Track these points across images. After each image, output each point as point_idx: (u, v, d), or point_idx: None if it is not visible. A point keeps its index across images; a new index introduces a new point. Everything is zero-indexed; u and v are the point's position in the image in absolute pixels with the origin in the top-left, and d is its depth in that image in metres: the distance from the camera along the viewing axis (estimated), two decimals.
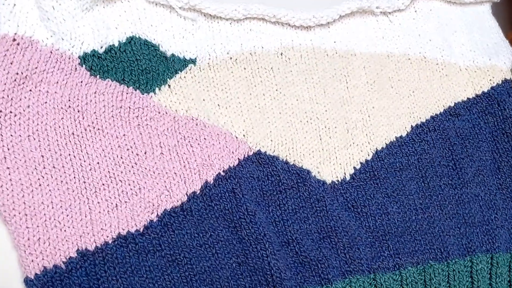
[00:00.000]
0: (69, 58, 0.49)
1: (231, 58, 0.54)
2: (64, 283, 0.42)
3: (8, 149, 0.45)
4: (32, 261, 0.42)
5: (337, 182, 0.53)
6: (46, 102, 0.47)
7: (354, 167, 0.54)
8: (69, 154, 0.46)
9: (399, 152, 0.56)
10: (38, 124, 0.46)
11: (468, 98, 0.61)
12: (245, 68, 0.54)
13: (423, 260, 0.52)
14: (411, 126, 0.58)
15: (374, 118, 0.57)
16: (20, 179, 0.44)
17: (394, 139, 0.57)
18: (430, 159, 0.56)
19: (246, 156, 0.51)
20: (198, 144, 0.50)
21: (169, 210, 0.47)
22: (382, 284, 0.49)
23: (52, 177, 0.45)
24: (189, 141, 0.49)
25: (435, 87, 0.60)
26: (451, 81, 0.61)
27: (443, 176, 0.56)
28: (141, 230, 0.46)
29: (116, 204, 0.46)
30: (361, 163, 0.54)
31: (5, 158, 0.45)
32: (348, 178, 0.53)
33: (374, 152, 0.55)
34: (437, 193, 0.55)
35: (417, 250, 0.52)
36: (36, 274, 0.42)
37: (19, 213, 0.43)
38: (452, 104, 0.60)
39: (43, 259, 0.42)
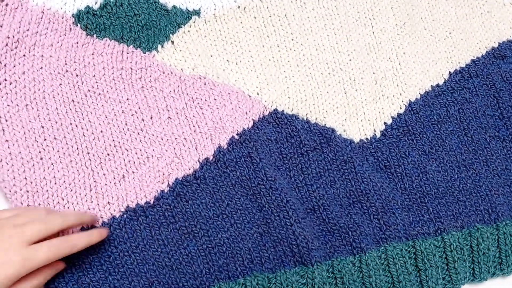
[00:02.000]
0: (62, 18, 0.44)
1: (239, 6, 0.48)
2: (71, 258, 0.39)
3: (6, 120, 0.41)
4: None
5: (366, 140, 0.47)
6: (41, 68, 0.43)
7: (385, 123, 0.48)
8: (71, 123, 0.42)
9: (436, 103, 0.49)
10: (35, 92, 0.42)
11: None
12: (255, 17, 0.48)
13: (469, 223, 0.46)
14: (449, 72, 0.50)
15: (406, 66, 0.49)
16: (20, 152, 0.41)
17: (430, 89, 0.49)
18: (473, 109, 0.49)
19: (261, 116, 0.45)
20: (208, 105, 0.44)
21: (180, 179, 0.42)
22: (422, 251, 0.43)
23: (53, 149, 0.41)
24: (198, 103, 0.44)
25: (475, 26, 0.52)
26: (494, 18, 0.53)
27: (489, 128, 0.49)
28: (152, 201, 0.42)
29: (123, 175, 0.42)
30: (392, 117, 0.48)
31: (3, 130, 0.41)
32: (378, 135, 0.47)
33: (407, 105, 0.48)
34: (482, 147, 0.48)
35: (461, 212, 0.46)
36: None
37: (21, 190, 0.40)
38: (496, 45, 0.52)
39: None
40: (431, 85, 0.49)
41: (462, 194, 0.46)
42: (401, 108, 0.48)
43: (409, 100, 0.48)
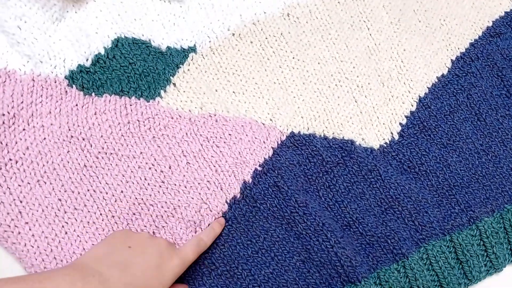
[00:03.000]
0: (55, 82, 0.42)
1: (233, 34, 0.46)
2: None
3: (21, 202, 0.39)
4: None
5: (385, 145, 0.46)
6: (45, 138, 0.41)
7: (400, 123, 0.47)
8: (88, 190, 0.40)
9: (445, 94, 0.49)
10: (44, 165, 0.40)
11: (506, 13, 0.52)
12: (252, 42, 0.47)
13: (498, 206, 0.46)
14: (451, 60, 0.50)
15: (409, 62, 0.49)
16: (43, 232, 0.39)
17: (436, 80, 0.49)
18: (480, 92, 0.49)
19: (279, 142, 0.44)
20: (225, 142, 0.43)
21: None
22: (461, 243, 0.44)
23: (76, 220, 0.40)
24: (213, 142, 0.43)
25: (467, 9, 0.52)
26: None
27: (499, 108, 0.49)
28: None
29: (153, 231, 0.40)
30: (406, 117, 0.48)
31: (20, 213, 0.39)
32: (396, 137, 0.47)
33: (418, 101, 0.48)
34: (496, 128, 0.48)
35: (489, 196, 0.46)
36: None
37: None
38: (490, 24, 0.52)
39: None
40: (437, 76, 0.49)
41: (487, 179, 0.47)
42: (412, 106, 0.48)
43: (419, 95, 0.48)
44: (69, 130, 0.41)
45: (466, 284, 0.44)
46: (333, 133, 0.45)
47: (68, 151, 0.41)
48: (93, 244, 0.39)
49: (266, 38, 0.47)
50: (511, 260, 0.45)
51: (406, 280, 0.42)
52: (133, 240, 0.35)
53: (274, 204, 0.42)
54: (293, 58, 0.47)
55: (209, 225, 0.40)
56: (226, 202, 0.42)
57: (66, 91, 0.42)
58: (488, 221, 0.45)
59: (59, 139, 0.41)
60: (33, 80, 0.41)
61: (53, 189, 0.40)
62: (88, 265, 0.31)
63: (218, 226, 0.40)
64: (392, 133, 0.47)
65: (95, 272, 0.31)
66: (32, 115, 0.41)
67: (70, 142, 0.41)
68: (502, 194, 0.46)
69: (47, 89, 0.41)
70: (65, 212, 0.39)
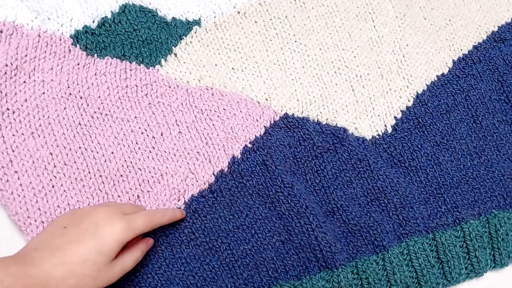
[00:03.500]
0: (60, 40, 0.43)
1: (239, 12, 0.47)
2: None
3: (13, 151, 0.40)
4: None
5: (378, 137, 0.46)
6: (44, 93, 0.41)
7: (395, 117, 0.47)
8: (79, 147, 0.41)
9: (443, 92, 0.49)
10: (40, 118, 0.41)
11: None
12: (256, 22, 0.47)
13: (485, 210, 0.46)
14: (453, 60, 0.50)
15: (410, 58, 0.49)
16: (30, 182, 0.40)
17: (436, 78, 0.49)
18: (479, 95, 0.49)
19: (272, 122, 0.45)
20: (218, 116, 0.43)
21: (196, 195, 0.41)
22: (443, 243, 0.43)
23: (65, 175, 0.40)
24: (207, 115, 0.43)
25: (473, 11, 0.52)
26: (491, 2, 0.52)
27: (496, 112, 0.49)
28: None
29: (137, 195, 0.41)
30: (402, 111, 0.48)
31: (11, 161, 0.40)
32: (390, 130, 0.47)
33: (415, 97, 0.48)
34: (491, 132, 0.48)
35: (477, 199, 0.46)
36: None
37: (35, 221, 0.39)
38: (496, 29, 0.52)
39: None
40: (437, 75, 0.49)
41: (477, 182, 0.46)
42: (409, 101, 0.48)
43: (416, 92, 0.48)
44: (68, 87, 0.42)
45: (444, 285, 0.44)
46: (326, 119, 0.46)
47: (64, 108, 0.41)
48: (78, 201, 0.40)
49: (271, 19, 0.47)
50: (493, 266, 0.45)
51: (384, 273, 0.42)
52: (70, 219, 0.34)
53: (260, 182, 0.42)
54: (295, 41, 0.47)
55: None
56: (213, 174, 0.42)
57: (70, 50, 0.42)
58: (474, 224, 0.45)
59: (57, 95, 0.41)
60: (39, 36, 0.42)
61: (46, 142, 0.40)
62: (26, 253, 0.32)
63: (179, 214, 0.39)
64: (386, 125, 0.47)
65: (29, 257, 0.31)
66: (34, 69, 0.41)
67: (67, 99, 0.42)
68: (490, 198, 0.46)
69: (51, 46, 0.42)
70: (55, 166, 0.40)
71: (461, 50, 0.50)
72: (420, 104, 0.48)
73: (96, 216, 0.34)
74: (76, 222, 0.34)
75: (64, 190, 0.40)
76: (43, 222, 0.38)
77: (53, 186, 0.40)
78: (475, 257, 0.44)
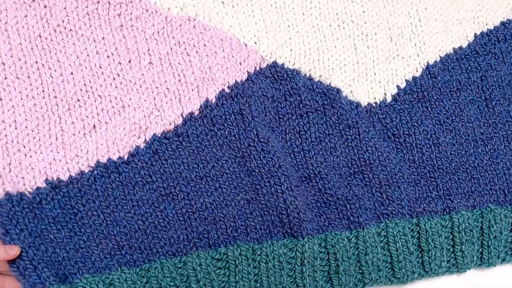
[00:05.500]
0: None
1: None
2: (34, 214, 0.34)
3: None
4: None
5: (374, 105, 0.42)
6: None
7: (398, 86, 0.42)
8: (36, 62, 0.37)
9: (457, 68, 0.43)
10: None
11: None
12: None
13: (481, 203, 0.41)
14: (475, 34, 0.44)
15: (427, 24, 0.43)
16: None
17: (452, 51, 0.44)
18: (497, 77, 0.44)
19: (257, 68, 0.40)
20: (197, 52, 0.39)
21: (159, 135, 0.37)
22: (427, 230, 0.39)
23: (15, 89, 0.36)
24: (185, 48, 0.39)
25: None
26: None
27: None
28: (126, 157, 0.37)
29: (94, 125, 0.37)
30: (406, 80, 0.42)
31: None
32: (389, 99, 0.42)
33: (425, 67, 0.43)
34: (504, 120, 0.43)
35: (474, 190, 0.41)
36: None
37: None
38: None
39: (3, 183, 0.34)
40: (453, 47, 0.44)
41: (477, 171, 0.42)
42: (417, 71, 0.43)
43: (427, 62, 0.43)
44: None
45: (421, 275, 0.40)
46: (320, 76, 0.41)
47: (25, 16, 0.37)
48: (26, 119, 0.36)
49: None
50: (479, 264, 0.41)
51: (355, 251, 0.38)
52: None
53: (232, 133, 0.38)
54: None
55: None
56: (182, 115, 0.38)
57: None
58: (465, 216, 0.40)
59: (19, 0, 0.37)
60: None
61: None
62: None
63: (15, 249, 0.33)
64: (385, 93, 0.42)
65: None
66: None
67: (30, 7, 0.37)
68: (489, 191, 0.42)
69: None
70: (5, 78, 0.36)
71: (486, 24, 0.45)
72: (429, 76, 0.43)
73: None
74: None
75: (12, 105, 0.36)
76: None
77: (0, 99, 0.36)
78: (461, 251, 0.40)
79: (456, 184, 0.41)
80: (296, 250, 0.37)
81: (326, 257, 0.38)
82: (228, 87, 0.39)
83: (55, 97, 0.37)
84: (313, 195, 0.39)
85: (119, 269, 0.35)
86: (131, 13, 0.39)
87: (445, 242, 0.40)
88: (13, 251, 0.33)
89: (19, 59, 0.37)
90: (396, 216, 0.39)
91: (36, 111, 0.36)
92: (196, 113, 0.38)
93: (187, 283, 0.36)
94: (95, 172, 0.36)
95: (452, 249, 0.40)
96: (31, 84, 0.37)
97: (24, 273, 0.33)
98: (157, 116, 0.38)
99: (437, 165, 0.41)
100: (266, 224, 0.38)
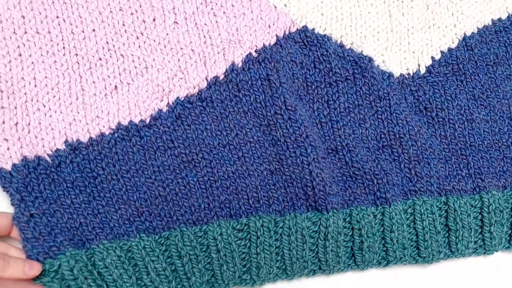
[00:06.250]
0: None
1: None
2: (51, 178, 0.34)
3: None
4: (8, 148, 0.33)
5: (407, 76, 0.40)
6: None
7: (432, 57, 0.40)
8: (57, 16, 0.35)
9: (495, 41, 0.41)
10: None
11: None
12: None
13: None
14: None
15: None
16: None
17: (490, 23, 0.42)
18: None
19: (287, 32, 0.38)
20: (224, 12, 0.37)
21: (183, 99, 0.36)
22: (456, 209, 0.38)
23: (35, 45, 0.35)
24: (212, 8, 0.37)
25: None
26: None
27: None
28: (148, 121, 0.36)
29: (115, 85, 0.36)
30: (442, 52, 0.40)
31: None
32: (422, 71, 0.40)
33: (461, 38, 0.41)
34: None
35: (506, 170, 0.40)
36: (14, 164, 0.33)
37: None
38: None
39: (21, 147, 0.33)
40: (492, 19, 0.42)
41: (510, 150, 0.40)
42: (453, 42, 0.41)
43: (464, 33, 0.41)
44: None
45: (447, 255, 0.39)
46: (351, 43, 0.39)
47: None
48: (46, 77, 0.34)
49: None
50: (507, 247, 0.40)
51: (380, 228, 0.37)
52: None
53: (258, 99, 0.37)
54: None
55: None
56: (206, 79, 0.36)
57: None
58: (496, 196, 0.39)
59: None
60: None
61: (19, 3, 0.35)
62: None
63: (37, 267, 0.32)
64: (419, 64, 0.40)
65: None
66: None
67: None
68: None
69: None
70: (25, 32, 0.35)
71: None
72: (465, 48, 0.41)
73: None
74: None
75: (32, 62, 0.35)
76: (2, 91, 0.34)
77: (20, 55, 0.35)
78: (489, 232, 0.38)
79: (487, 162, 0.40)
80: (320, 224, 0.36)
81: (350, 233, 0.37)
82: (255, 51, 0.37)
83: (76, 54, 0.35)
84: (339, 168, 0.38)
85: (138, 236, 0.35)
86: None
87: (473, 223, 0.38)
88: (33, 271, 0.31)
89: (40, 13, 0.35)
90: (424, 193, 0.38)
91: (56, 68, 0.35)
92: (221, 77, 0.37)
93: (207, 253, 0.35)
94: (116, 134, 0.35)
95: (480, 230, 0.39)
96: (51, 40, 0.35)
97: (38, 238, 0.32)
98: (181, 78, 0.36)
99: (469, 142, 0.40)
100: (290, 196, 0.37)
